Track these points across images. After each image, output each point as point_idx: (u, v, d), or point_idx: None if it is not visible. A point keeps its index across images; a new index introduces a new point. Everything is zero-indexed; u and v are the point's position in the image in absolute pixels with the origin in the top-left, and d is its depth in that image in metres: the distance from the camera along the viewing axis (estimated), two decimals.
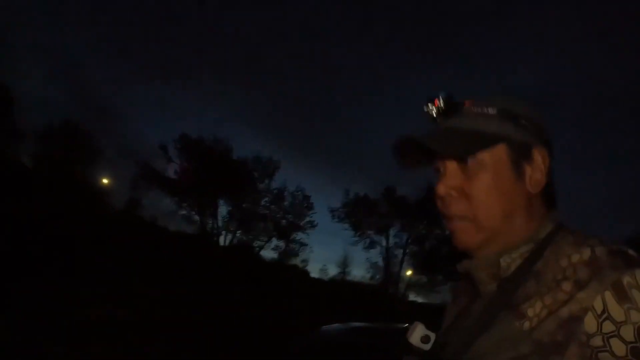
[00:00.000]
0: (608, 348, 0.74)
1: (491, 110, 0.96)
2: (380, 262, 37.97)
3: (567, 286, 0.81)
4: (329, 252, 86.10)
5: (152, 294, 14.56)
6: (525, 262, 0.92)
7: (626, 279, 0.76)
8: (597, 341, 0.75)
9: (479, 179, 0.93)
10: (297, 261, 36.35)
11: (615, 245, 0.83)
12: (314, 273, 37.91)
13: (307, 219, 36.34)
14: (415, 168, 1.06)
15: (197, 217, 33.85)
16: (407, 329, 1.00)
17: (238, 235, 35.20)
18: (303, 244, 36.37)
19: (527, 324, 0.82)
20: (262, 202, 35.86)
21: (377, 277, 38.10)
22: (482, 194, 0.93)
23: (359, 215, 37.00)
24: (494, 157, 0.93)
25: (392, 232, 37.58)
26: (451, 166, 0.96)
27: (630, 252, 0.82)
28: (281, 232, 35.78)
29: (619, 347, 0.73)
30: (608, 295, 0.76)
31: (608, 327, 0.75)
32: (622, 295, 0.75)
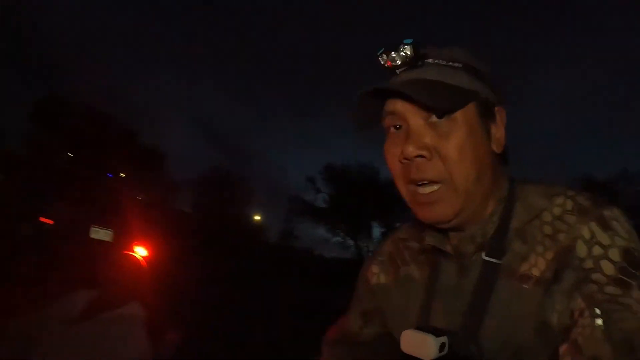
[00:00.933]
0: (599, 269, 0.78)
1: (457, 64, 0.89)
2: None
3: (563, 237, 0.84)
4: None
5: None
6: (501, 224, 0.91)
7: (606, 213, 0.82)
8: (589, 264, 0.79)
9: (454, 138, 0.85)
10: None
11: (586, 192, 0.88)
12: None
13: None
14: (369, 128, 0.96)
15: (351, 242, 33.64)
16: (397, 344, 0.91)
17: None
18: None
19: (535, 281, 0.84)
20: None
21: None
22: (458, 154, 0.85)
23: None
24: (466, 115, 0.87)
25: None
26: (418, 123, 0.87)
27: (599, 196, 0.87)
28: None
29: (608, 267, 0.78)
30: (593, 224, 0.81)
31: (597, 250, 0.80)
32: (605, 225, 0.81)
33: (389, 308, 1.11)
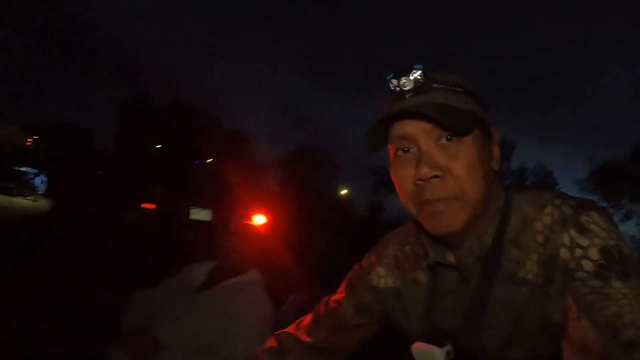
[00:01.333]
0: (580, 267, 0.88)
1: (458, 88, 0.95)
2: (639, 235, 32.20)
3: (551, 245, 0.92)
4: None
5: None
6: (498, 234, 0.98)
7: (584, 218, 0.91)
8: (572, 264, 0.89)
9: (465, 158, 0.92)
10: None
11: (571, 199, 0.96)
12: None
13: None
14: (377, 150, 1.01)
15: None
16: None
17: None
18: None
19: (531, 285, 0.94)
20: None
21: None
22: (469, 173, 0.92)
23: (609, 184, 31.73)
24: (473, 136, 0.93)
25: None
26: (429, 145, 0.93)
27: (584, 199, 0.96)
28: None
29: (588, 265, 0.87)
30: (572, 231, 0.90)
31: (578, 252, 0.89)
32: (583, 229, 0.90)
33: (398, 309, 1.20)
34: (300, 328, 1.34)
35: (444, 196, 0.92)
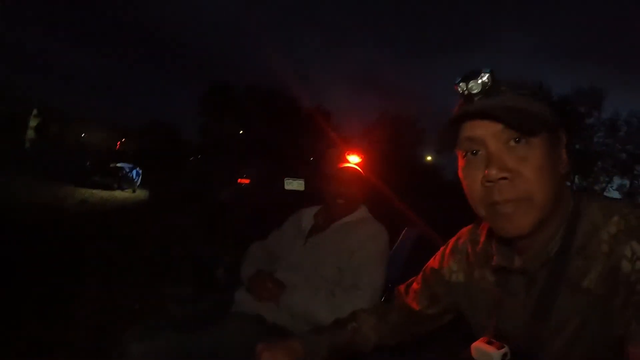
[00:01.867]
0: None
1: (525, 91, 0.95)
2: None
3: (614, 256, 0.90)
4: None
5: None
6: (565, 242, 0.97)
7: None
8: (633, 277, 0.87)
9: (533, 160, 0.91)
10: None
11: (638, 209, 0.92)
12: None
13: None
14: (447, 151, 1.01)
15: None
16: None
17: (576, 181, 32.43)
18: None
19: (594, 295, 0.91)
20: (596, 139, 32.25)
21: None
22: (538, 175, 0.91)
23: None
24: (542, 138, 0.92)
25: None
26: (498, 148, 0.93)
27: None
28: (623, 168, 31.76)
29: None
30: (634, 243, 0.89)
31: (639, 265, 0.87)
32: None
33: (465, 304, 1.25)
34: (391, 306, 1.47)
35: (512, 197, 0.92)
